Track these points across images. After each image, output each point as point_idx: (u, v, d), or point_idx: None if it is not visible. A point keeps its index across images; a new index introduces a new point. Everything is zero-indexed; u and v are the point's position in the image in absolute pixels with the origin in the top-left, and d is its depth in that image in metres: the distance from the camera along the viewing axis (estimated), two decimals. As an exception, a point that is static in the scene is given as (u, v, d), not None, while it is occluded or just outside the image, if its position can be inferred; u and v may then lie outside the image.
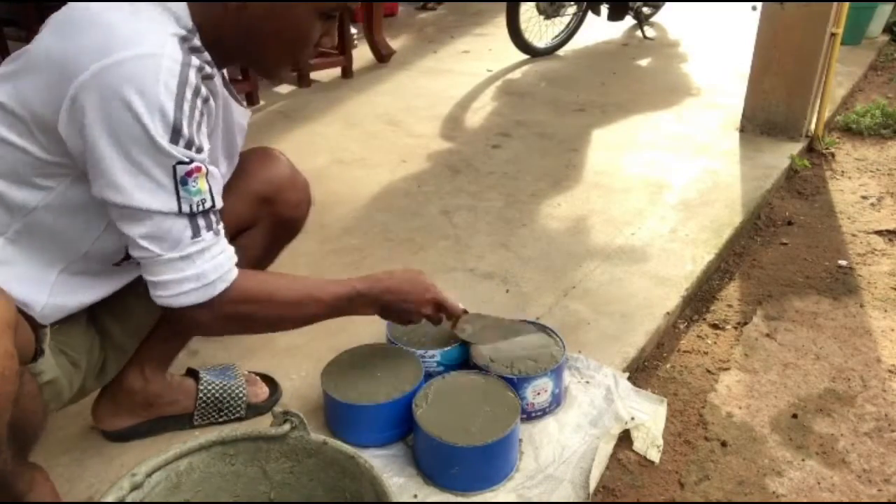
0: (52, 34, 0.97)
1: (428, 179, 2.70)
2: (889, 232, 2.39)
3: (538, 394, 1.43)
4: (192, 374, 1.47)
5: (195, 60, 0.98)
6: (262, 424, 1.26)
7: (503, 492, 1.30)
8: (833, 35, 2.82)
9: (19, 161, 0.99)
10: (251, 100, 3.57)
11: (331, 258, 2.12)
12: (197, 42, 1.01)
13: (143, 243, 0.98)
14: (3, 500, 0.99)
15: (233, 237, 1.28)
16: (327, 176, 2.72)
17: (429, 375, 1.45)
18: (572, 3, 4.42)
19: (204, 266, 1.01)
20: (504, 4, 4.18)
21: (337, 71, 4.07)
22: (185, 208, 0.98)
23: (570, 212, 2.42)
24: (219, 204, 1.04)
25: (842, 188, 2.75)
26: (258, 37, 1.07)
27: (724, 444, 1.49)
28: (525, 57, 4.37)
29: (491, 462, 1.30)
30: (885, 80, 4.08)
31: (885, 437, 1.51)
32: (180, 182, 0.96)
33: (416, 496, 1.29)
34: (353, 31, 4.44)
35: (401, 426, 1.39)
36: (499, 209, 2.44)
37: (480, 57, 4.49)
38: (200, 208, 1.00)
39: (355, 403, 1.36)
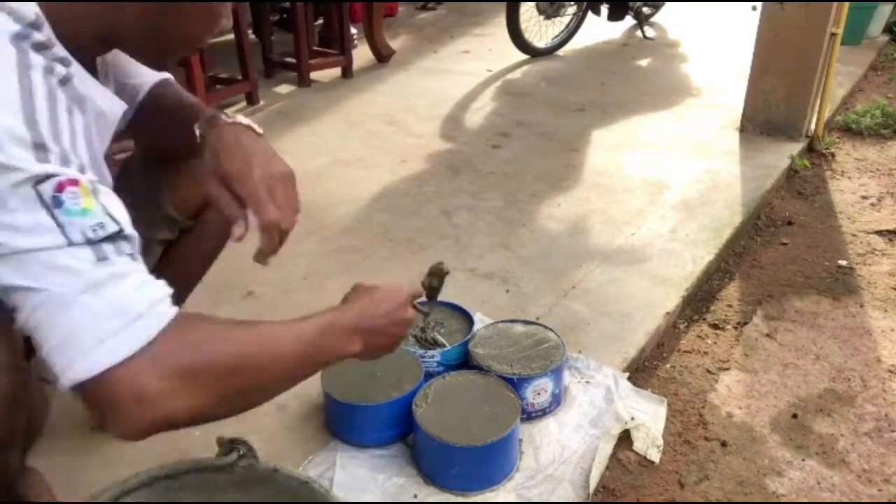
0: None
1: (428, 179, 2.70)
2: (889, 232, 2.39)
3: (538, 394, 1.44)
4: None
5: (37, 60, 0.76)
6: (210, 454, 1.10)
7: (503, 492, 1.30)
8: (833, 35, 2.82)
9: None
10: (251, 100, 3.56)
11: (331, 258, 2.12)
12: (40, 37, 0.78)
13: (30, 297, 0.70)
14: (5, 500, 0.98)
15: (198, 216, 1.27)
16: (327, 176, 2.72)
17: (429, 375, 1.46)
18: (572, 3, 4.42)
19: (126, 294, 0.72)
20: (504, 4, 4.18)
21: (337, 71, 4.07)
22: (77, 237, 0.70)
23: (570, 212, 2.42)
24: (128, 230, 0.75)
25: (842, 188, 2.75)
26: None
27: (724, 444, 1.49)
28: (525, 57, 4.37)
29: (491, 462, 1.30)
30: (885, 80, 4.08)
31: (885, 437, 1.51)
32: (52, 203, 0.70)
33: (416, 496, 1.29)
34: (353, 31, 4.44)
35: (401, 426, 1.39)
36: (499, 209, 2.44)
37: (480, 57, 4.48)
38: (100, 234, 0.72)
39: (355, 403, 1.36)
